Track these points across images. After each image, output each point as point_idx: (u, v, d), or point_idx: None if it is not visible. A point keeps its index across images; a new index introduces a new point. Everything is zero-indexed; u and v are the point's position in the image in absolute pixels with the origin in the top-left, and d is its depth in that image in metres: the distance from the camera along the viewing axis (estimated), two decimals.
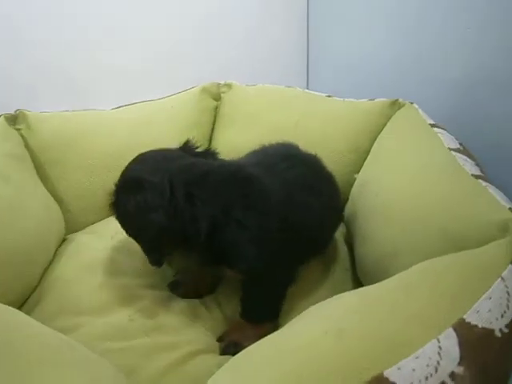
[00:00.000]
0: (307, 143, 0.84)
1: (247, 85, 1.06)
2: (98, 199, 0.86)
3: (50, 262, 0.75)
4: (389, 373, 0.33)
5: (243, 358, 0.42)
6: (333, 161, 0.87)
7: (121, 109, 0.98)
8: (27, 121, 0.86)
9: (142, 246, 0.62)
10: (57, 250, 0.79)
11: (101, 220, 0.87)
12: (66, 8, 1.13)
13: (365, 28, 1.17)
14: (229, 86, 1.06)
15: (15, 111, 0.86)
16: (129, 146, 0.92)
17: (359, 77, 1.18)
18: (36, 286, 0.71)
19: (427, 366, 0.33)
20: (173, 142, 0.94)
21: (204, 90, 1.04)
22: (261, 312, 0.63)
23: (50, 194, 0.84)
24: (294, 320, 0.48)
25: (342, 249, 0.78)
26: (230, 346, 0.60)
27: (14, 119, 0.85)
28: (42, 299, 0.67)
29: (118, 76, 1.21)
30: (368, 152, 0.83)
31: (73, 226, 0.86)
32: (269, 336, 0.45)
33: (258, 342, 0.44)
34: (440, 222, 0.51)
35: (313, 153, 0.76)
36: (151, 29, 1.24)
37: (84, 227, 0.87)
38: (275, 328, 0.58)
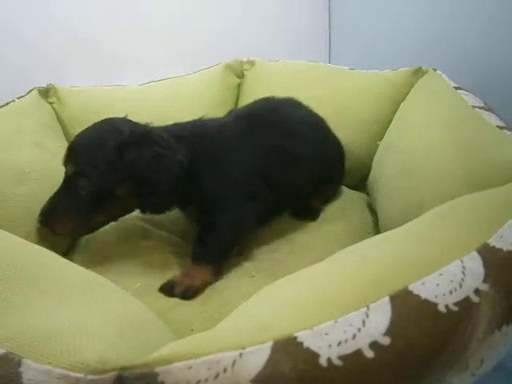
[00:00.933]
0: (331, 115, 0.86)
1: (269, 61, 1.08)
2: None
3: None
4: (413, 286, 0.33)
5: (285, 281, 0.42)
6: (356, 131, 0.88)
7: (147, 85, 1.01)
8: (58, 94, 0.90)
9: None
10: None
11: None
12: None
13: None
14: (251, 62, 1.08)
15: (47, 85, 0.90)
16: (155, 120, 0.95)
17: (382, 49, 1.18)
18: (67, 250, 0.73)
19: (451, 281, 0.34)
20: (198, 116, 0.97)
21: (227, 67, 1.07)
22: (205, 253, 0.65)
23: None
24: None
25: (365, 215, 0.78)
26: (168, 284, 0.62)
27: (46, 92, 0.89)
28: (73, 258, 0.70)
29: (143, 50, 1.23)
30: (391, 121, 0.83)
31: None
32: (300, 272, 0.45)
33: (297, 272, 0.44)
34: (464, 169, 0.51)
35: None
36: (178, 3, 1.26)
37: None
38: (217, 272, 0.64)
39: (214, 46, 1.27)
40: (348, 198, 0.85)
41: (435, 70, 0.80)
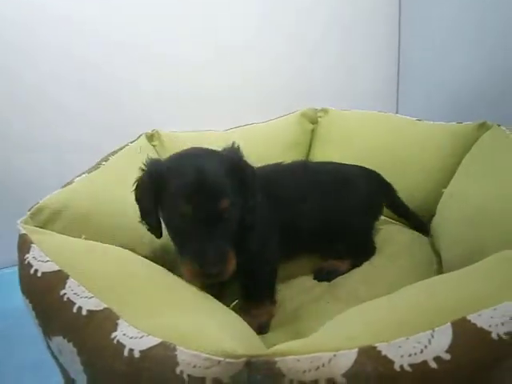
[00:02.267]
0: (396, 162, 0.95)
1: (342, 109, 1.20)
2: None
3: None
4: (471, 317, 0.42)
5: (366, 305, 0.51)
6: (422, 178, 0.96)
7: (232, 130, 1.16)
8: (160, 139, 1.07)
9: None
10: None
11: None
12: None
13: (451, 53, 1.25)
14: (325, 111, 1.21)
15: (152, 130, 1.07)
16: None
17: (448, 100, 1.26)
18: None
19: (503, 316, 0.42)
20: (274, 159, 1.10)
21: (303, 115, 1.20)
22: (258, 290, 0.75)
23: None
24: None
25: (429, 253, 0.85)
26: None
27: (151, 137, 1.06)
28: None
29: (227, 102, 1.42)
30: (455, 171, 0.90)
31: None
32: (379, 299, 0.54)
33: (376, 299, 0.53)
34: None
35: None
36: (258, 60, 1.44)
37: None
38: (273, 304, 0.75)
39: (290, 98, 1.43)
40: (412, 237, 0.92)
41: (499, 125, 0.87)
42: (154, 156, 1.04)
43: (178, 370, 0.39)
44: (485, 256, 0.61)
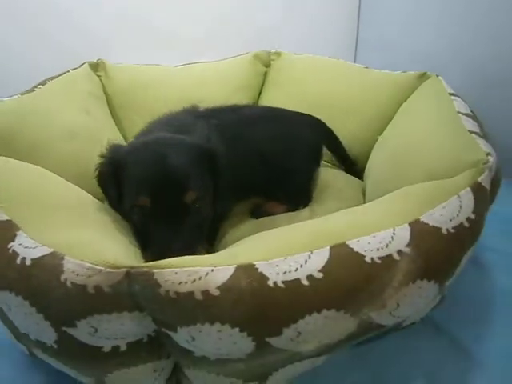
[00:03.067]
0: (338, 109, 0.96)
1: (295, 53, 1.18)
2: None
3: None
4: (350, 242, 0.45)
5: (257, 236, 0.54)
6: (361, 126, 0.98)
7: (182, 67, 1.14)
8: (106, 69, 1.04)
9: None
10: None
11: None
12: None
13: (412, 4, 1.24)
14: (278, 54, 1.19)
15: (97, 60, 1.04)
16: (185, 98, 1.08)
17: (403, 51, 1.26)
18: None
19: (380, 242, 0.45)
20: (223, 99, 1.09)
21: (255, 57, 1.18)
22: None
23: None
24: None
25: (359, 198, 0.88)
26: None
27: (95, 66, 1.03)
28: None
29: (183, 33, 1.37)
30: (392, 118, 0.92)
31: None
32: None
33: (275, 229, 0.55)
34: (427, 164, 0.61)
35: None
36: None
37: None
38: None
39: (249, 37, 1.39)
40: (347, 182, 0.94)
41: (438, 76, 0.88)
42: (99, 86, 1.03)
43: (62, 278, 0.41)
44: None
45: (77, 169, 0.78)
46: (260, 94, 1.19)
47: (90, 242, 0.46)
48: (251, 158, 0.79)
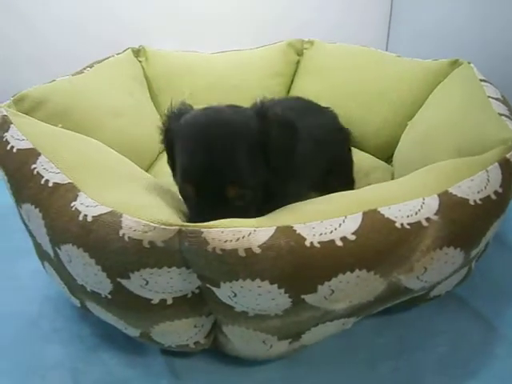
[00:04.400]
0: (374, 96, 0.98)
1: (328, 42, 1.20)
2: None
3: (154, 161, 0.98)
4: (381, 209, 0.48)
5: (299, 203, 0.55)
6: (393, 112, 0.99)
7: (218, 54, 1.18)
8: (146, 54, 1.09)
9: None
10: (158, 155, 1.01)
11: None
12: None
13: None
14: (311, 42, 1.21)
15: (139, 46, 1.09)
16: (221, 84, 1.13)
17: (437, 40, 1.27)
18: None
19: (410, 210, 0.48)
20: (257, 86, 1.13)
21: (289, 45, 1.21)
22: None
23: None
24: None
25: (387, 180, 0.90)
26: None
27: (137, 52, 1.09)
28: None
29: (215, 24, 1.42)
30: (423, 104, 0.94)
31: None
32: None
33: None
34: (457, 143, 0.64)
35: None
36: None
37: None
38: None
39: (278, 25, 1.42)
40: (376, 165, 0.97)
41: (469, 63, 0.89)
42: (140, 71, 1.08)
43: (120, 233, 0.46)
44: None
45: (121, 144, 0.83)
46: (292, 81, 1.22)
47: (144, 204, 0.50)
48: (311, 148, 0.71)
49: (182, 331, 0.55)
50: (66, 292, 0.60)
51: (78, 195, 0.51)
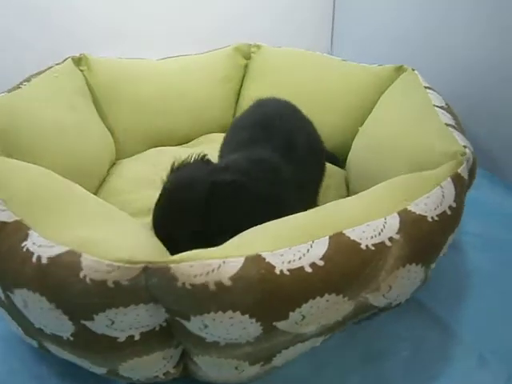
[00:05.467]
0: (321, 99, 0.99)
1: (274, 46, 1.20)
2: (141, 133, 1.05)
3: (103, 178, 0.94)
4: (346, 231, 0.49)
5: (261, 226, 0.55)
6: (342, 115, 1.02)
7: (164, 60, 1.14)
8: (88, 63, 1.03)
9: None
10: (108, 170, 0.97)
11: (144, 150, 1.06)
12: None
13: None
14: (258, 46, 1.21)
15: (79, 54, 1.03)
16: (169, 91, 1.10)
17: (378, 44, 1.31)
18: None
19: (374, 230, 0.49)
20: (206, 92, 1.11)
21: (236, 49, 1.20)
22: None
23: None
24: None
25: (343, 189, 0.92)
26: None
27: (78, 61, 1.03)
28: None
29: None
30: (372, 109, 0.97)
31: (121, 154, 1.04)
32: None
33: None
34: (408, 155, 0.66)
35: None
36: None
37: (130, 155, 1.05)
38: None
39: (223, 30, 1.41)
40: (329, 171, 0.99)
41: (414, 69, 0.93)
42: (82, 81, 1.02)
43: (81, 275, 0.43)
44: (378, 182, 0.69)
45: (66, 164, 0.79)
46: (241, 86, 1.22)
47: (104, 237, 0.48)
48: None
49: (150, 365, 0.53)
50: (20, 333, 0.56)
51: (28, 234, 0.48)
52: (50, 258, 0.45)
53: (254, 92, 1.16)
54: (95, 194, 0.89)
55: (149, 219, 0.78)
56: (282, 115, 0.80)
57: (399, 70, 0.97)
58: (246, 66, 1.22)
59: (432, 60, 1.13)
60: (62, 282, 0.44)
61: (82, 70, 1.02)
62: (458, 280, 0.71)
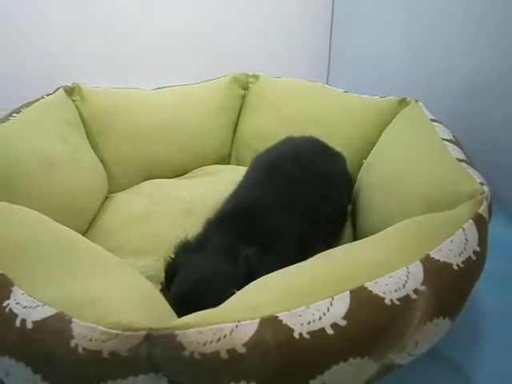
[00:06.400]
0: (322, 130, 0.96)
1: (273, 77, 1.18)
2: (136, 165, 1.01)
3: (96, 214, 0.88)
4: (368, 284, 0.44)
5: (274, 275, 0.51)
6: (344, 146, 0.98)
7: (160, 90, 1.11)
8: (81, 93, 0.99)
9: None
10: (101, 205, 0.91)
11: (138, 183, 1.01)
12: None
13: (385, 30, 1.28)
14: (256, 77, 1.18)
15: (72, 84, 0.99)
16: (164, 122, 1.07)
17: (376, 75, 1.29)
18: (84, 233, 0.83)
19: (397, 282, 0.45)
20: (202, 122, 1.07)
21: (234, 79, 1.17)
22: None
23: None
24: None
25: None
26: None
27: (70, 91, 0.98)
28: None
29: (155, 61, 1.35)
30: (375, 143, 0.94)
31: (114, 187, 0.99)
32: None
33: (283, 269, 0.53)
34: (423, 193, 0.62)
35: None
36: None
37: (124, 189, 1.00)
38: None
39: (221, 59, 1.38)
40: None
41: (417, 101, 0.91)
42: (75, 112, 0.97)
43: (72, 343, 0.38)
44: (392, 224, 0.65)
45: (56, 200, 0.74)
46: (239, 116, 1.18)
47: (99, 296, 0.43)
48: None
49: None
50: None
51: (11, 291, 0.43)
52: (35, 323, 0.39)
53: (253, 122, 1.14)
54: (87, 231, 0.83)
55: (144, 261, 0.74)
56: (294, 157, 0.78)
57: (402, 102, 0.94)
58: (244, 97, 1.19)
59: (431, 90, 1.12)
60: (49, 351, 0.38)
61: (74, 100, 0.98)
62: (470, 321, 0.66)
